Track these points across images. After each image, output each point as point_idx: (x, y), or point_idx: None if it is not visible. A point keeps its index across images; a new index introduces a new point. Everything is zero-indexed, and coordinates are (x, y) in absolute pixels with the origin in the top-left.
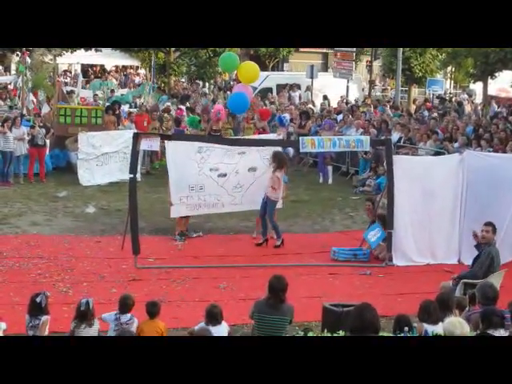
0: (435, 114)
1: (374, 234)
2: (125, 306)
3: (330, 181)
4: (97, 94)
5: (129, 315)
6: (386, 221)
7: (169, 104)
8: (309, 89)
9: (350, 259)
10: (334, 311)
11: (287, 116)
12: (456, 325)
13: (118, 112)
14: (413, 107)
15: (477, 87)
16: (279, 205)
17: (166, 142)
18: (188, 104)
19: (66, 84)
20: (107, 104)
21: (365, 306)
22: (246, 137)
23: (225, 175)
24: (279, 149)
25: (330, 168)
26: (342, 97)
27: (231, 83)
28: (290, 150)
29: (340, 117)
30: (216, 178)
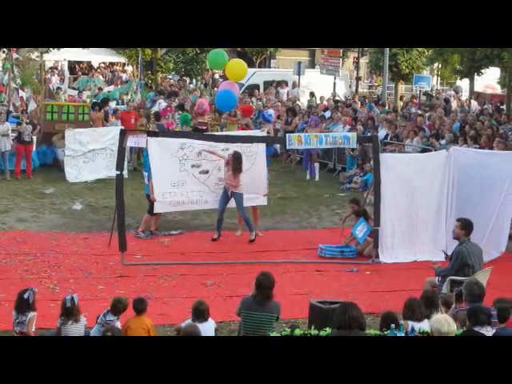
0: (423, 112)
1: (361, 230)
2: (114, 308)
3: (317, 177)
4: (81, 92)
5: (114, 318)
6: (367, 215)
7: (161, 102)
8: (295, 85)
9: (337, 256)
10: (321, 308)
11: (271, 111)
12: (442, 322)
13: (106, 109)
14: (400, 104)
15: (463, 84)
16: (263, 202)
17: (148, 137)
18: (177, 100)
19: (50, 81)
20: (94, 101)
21: (349, 304)
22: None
23: (207, 172)
24: (258, 145)
25: (316, 165)
26: (332, 94)
27: (220, 80)
28: (277, 146)
29: (328, 113)
30: (197, 174)
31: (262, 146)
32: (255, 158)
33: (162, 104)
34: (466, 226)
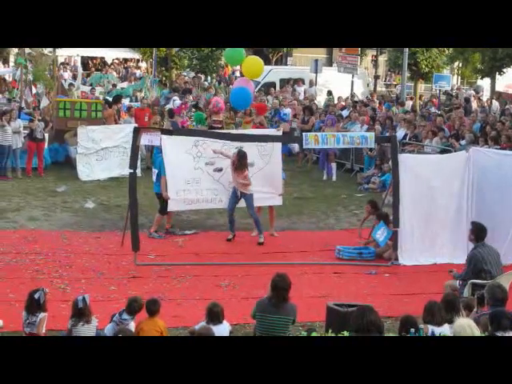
0: (443, 112)
1: (381, 234)
2: (130, 307)
3: (335, 178)
4: (94, 88)
5: (129, 317)
6: (388, 219)
7: (175, 99)
8: (312, 84)
9: (355, 258)
10: (339, 311)
11: (287, 110)
12: (465, 327)
13: (119, 106)
14: (419, 103)
15: (484, 83)
16: (278, 202)
17: (162, 135)
18: (191, 98)
19: (62, 77)
20: (106, 97)
21: (367, 308)
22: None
23: (220, 170)
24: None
25: (333, 165)
26: (351, 94)
27: (235, 76)
28: (295, 146)
29: (345, 112)
30: (212, 172)
31: (278, 145)
32: (270, 157)
33: (176, 101)
34: (475, 231)
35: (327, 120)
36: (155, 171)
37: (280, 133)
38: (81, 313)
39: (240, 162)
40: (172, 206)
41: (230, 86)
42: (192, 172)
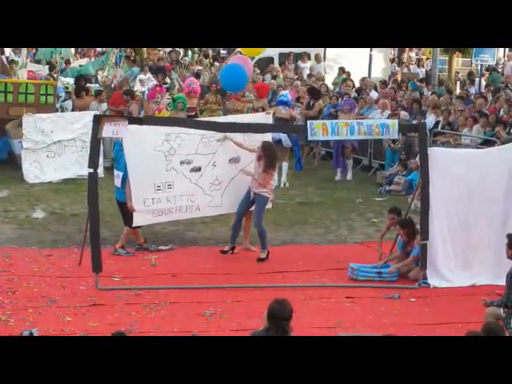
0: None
1: None
2: None
3: (350, 177)
4: (57, 71)
5: None
6: (413, 229)
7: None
8: (319, 59)
9: (374, 279)
10: None
11: (286, 92)
12: None
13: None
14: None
15: None
16: (267, 205)
17: (130, 126)
18: (168, 79)
19: (3, 54)
20: (96, 86)
21: None
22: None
23: (199, 169)
24: (269, 139)
25: (349, 162)
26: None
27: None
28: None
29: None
30: (188, 173)
31: (267, 135)
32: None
33: (150, 82)
34: None
35: (343, 105)
36: (119, 174)
37: (270, 118)
38: None
39: (272, 160)
40: (138, 220)
41: (216, 63)
42: (164, 174)
